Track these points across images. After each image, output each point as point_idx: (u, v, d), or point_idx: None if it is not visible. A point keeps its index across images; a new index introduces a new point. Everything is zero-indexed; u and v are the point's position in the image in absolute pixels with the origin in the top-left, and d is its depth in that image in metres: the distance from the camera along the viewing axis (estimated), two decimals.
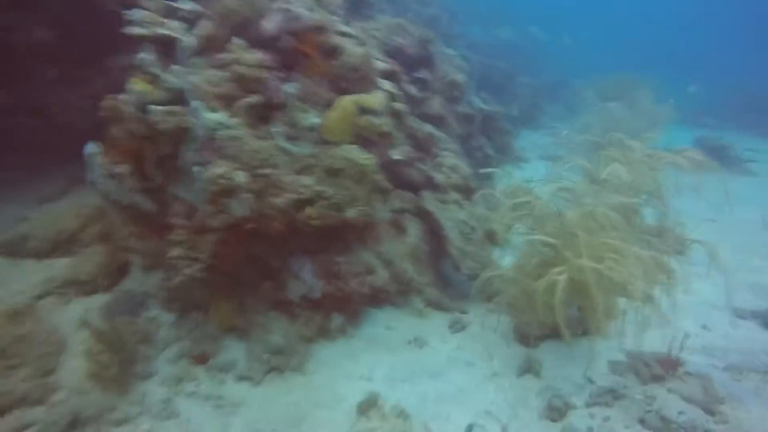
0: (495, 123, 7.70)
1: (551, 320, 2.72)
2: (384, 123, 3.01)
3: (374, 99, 2.95)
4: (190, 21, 3.03)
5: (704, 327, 3.83)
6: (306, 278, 3.03)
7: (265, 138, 2.74)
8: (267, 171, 2.61)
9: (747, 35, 31.30)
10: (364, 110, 2.92)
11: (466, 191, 4.27)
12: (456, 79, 5.38)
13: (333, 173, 2.74)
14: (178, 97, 2.43)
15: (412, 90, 4.21)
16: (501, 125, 7.81)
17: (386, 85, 3.21)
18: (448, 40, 11.70)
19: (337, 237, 3.17)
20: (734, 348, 3.57)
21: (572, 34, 20.07)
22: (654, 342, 3.26)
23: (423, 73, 5.64)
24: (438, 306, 3.77)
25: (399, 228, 3.73)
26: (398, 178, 4.47)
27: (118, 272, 3.17)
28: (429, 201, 3.97)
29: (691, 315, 4.03)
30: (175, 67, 2.46)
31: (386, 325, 3.53)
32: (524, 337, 3.32)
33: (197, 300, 3.11)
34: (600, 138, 9.13)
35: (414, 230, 3.85)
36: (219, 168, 2.43)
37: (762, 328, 3.88)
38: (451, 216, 3.98)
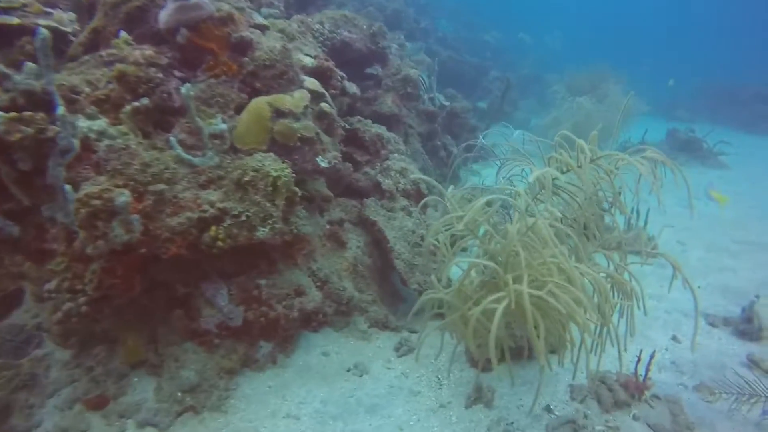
0: (460, 120, 7.37)
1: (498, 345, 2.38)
2: (306, 127, 2.63)
3: (293, 100, 2.58)
4: (82, 9, 2.62)
5: (674, 338, 3.53)
6: (221, 304, 2.64)
7: (161, 149, 2.34)
8: (160, 187, 2.22)
9: (723, 29, 31.61)
10: (280, 113, 2.54)
11: (417, 197, 3.91)
12: (410, 74, 5.02)
13: (242, 187, 2.36)
14: (38, 102, 2.03)
15: (353, 88, 3.83)
16: (467, 122, 7.48)
17: (311, 84, 2.83)
18: (414, 34, 11.36)
19: (260, 256, 2.78)
20: (705, 363, 3.28)
21: (551, 29, 19.93)
22: (617, 361, 2.96)
23: (375, 70, 5.28)
24: (384, 326, 3.41)
25: (337, 241, 3.36)
26: (342, 184, 4.10)
27: (4, 303, 2.74)
28: (372, 209, 3.60)
29: (660, 325, 3.74)
30: (29, 65, 2.05)
31: (323, 350, 3.16)
32: (476, 361, 2.98)
33: (101, 333, 2.70)
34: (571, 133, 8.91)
35: (355, 242, 3.48)
36: (93, 186, 2.03)
37: (734, 336, 3.60)
38: (398, 225, 3.62)
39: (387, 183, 3.89)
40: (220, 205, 2.30)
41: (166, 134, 2.44)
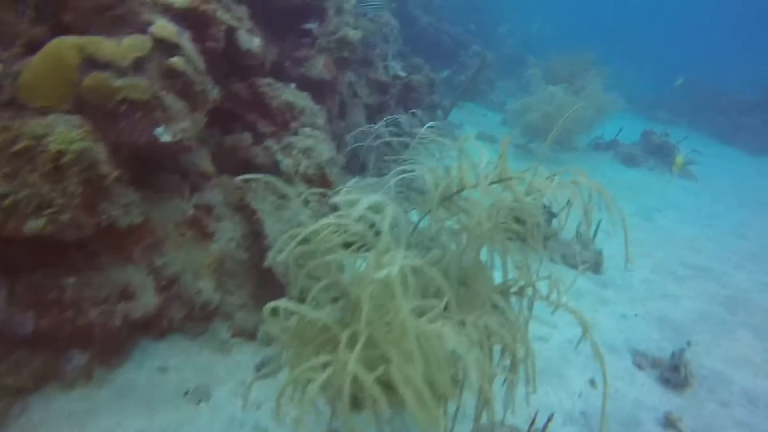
0: (416, 94, 6.68)
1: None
2: (133, 85, 1.95)
3: (117, 47, 1.90)
4: None
5: (592, 382, 3.07)
6: None
7: None
8: None
9: (711, 30, 31.07)
10: (94, 63, 1.86)
11: (321, 184, 3.29)
12: (347, 36, 4.30)
13: (15, 158, 1.70)
14: None
15: (252, 43, 3.12)
16: (423, 97, 6.80)
17: (160, 29, 2.13)
18: None
19: (71, 247, 2.14)
20: (618, 416, 2.82)
21: (535, 14, 19.04)
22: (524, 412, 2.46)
23: (311, 25, 4.54)
24: (251, 336, 2.84)
25: (201, 231, 2.73)
26: (237, 159, 3.44)
27: None
28: (256, 195, 2.97)
29: (582, 362, 3.26)
30: None
31: (162, 364, 2.57)
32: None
33: None
34: (541, 123, 8.31)
35: (229, 233, 2.86)
36: None
37: (659, 383, 3.16)
38: (287, 217, 3.00)
39: (286, 163, 3.25)
40: None
41: None
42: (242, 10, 3.64)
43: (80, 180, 1.79)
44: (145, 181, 2.73)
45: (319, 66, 4.29)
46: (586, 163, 8.85)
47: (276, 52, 4.33)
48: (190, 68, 2.24)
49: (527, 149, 8.71)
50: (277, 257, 1.77)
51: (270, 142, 3.47)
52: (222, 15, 2.74)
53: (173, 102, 2.19)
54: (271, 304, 1.56)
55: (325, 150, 3.38)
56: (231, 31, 2.84)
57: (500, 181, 1.79)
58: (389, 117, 2.99)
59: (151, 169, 2.75)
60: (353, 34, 4.35)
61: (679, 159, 8.78)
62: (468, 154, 1.79)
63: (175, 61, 2.16)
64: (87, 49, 1.84)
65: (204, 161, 3.03)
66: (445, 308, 1.98)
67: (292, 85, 4.12)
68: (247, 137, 3.42)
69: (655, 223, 6.27)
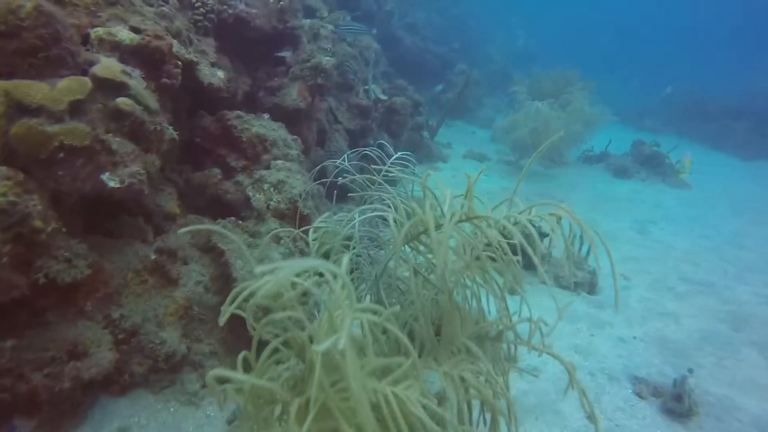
0: (400, 117, 6.58)
1: None
2: (72, 131, 1.81)
3: (50, 91, 1.76)
4: None
5: (590, 417, 2.87)
6: None
7: None
8: None
9: (696, 38, 31.44)
10: (24, 109, 1.72)
11: (294, 219, 3.13)
12: (321, 62, 4.20)
13: None
14: None
15: (214, 77, 2.99)
16: (407, 119, 6.70)
17: (104, 68, 2.00)
18: (372, 17, 10.47)
19: (13, 307, 1.97)
20: None
21: (519, 27, 19.20)
22: None
23: (286, 53, 4.44)
24: (224, 384, 2.63)
25: (164, 276, 2.56)
26: (206, 196, 3.29)
27: None
28: (223, 236, 2.81)
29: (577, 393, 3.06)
30: None
31: (123, 423, 2.37)
32: None
33: None
34: (528, 138, 8.22)
35: (196, 277, 2.69)
36: None
37: (661, 415, 2.96)
38: (257, 256, 2.83)
39: (256, 199, 3.10)
40: None
41: None
42: (208, 43, 3.54)
43: (8, 237, 1.63)
44: (103, 226, 2.58)
45: (294, 94, 4.18)
46: (577, 176, 8.74)
47: (249, 82, 4.23)
48: (139, 108, 2.10)
49: (517, 166, 8.61)
50: (226, 311, 1.60)
51: (241, 177, 3.33)
52: (178, 50, 2.62)
53: (121, 145, 2.04)
54: (213, 372, 1.38)
55: (297, 183, 3.24)
56: (190, 66, 2.72)
57: (467, 219, 1.63)
58: (357, 149, 2.85)
59: (111, 212, 2.60)
60: (327, 61, 4.25)
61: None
62: (435, 190, 1.63)
63: (122, 101, 2.02)
64: (14, 95, 1.70)
65: (169, 201, 2.88)
66: (421, 354, 1.81)
67: (266, 116, 4.01)
68: (216, 173, 3.28)
69: (651, 237, 6.12)
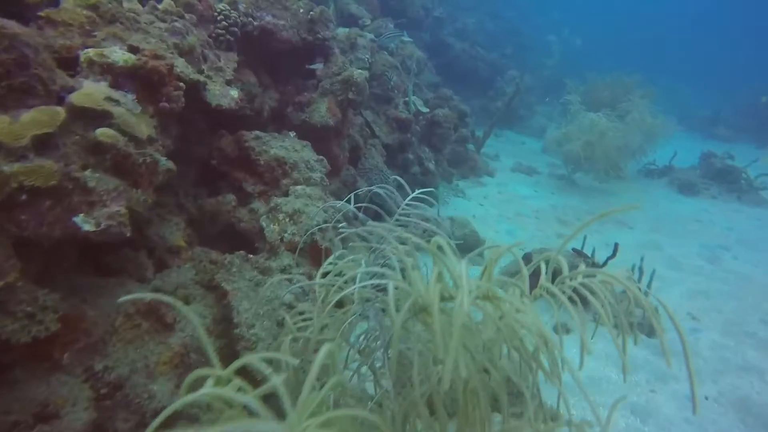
0: (442, 130, 6.19)
1: None
2: (33, 170, 1.57)
3: (9, 125, 1.52)
4: None
5: None
6: None
7: None
8: None
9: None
10: None
11: (312, 253, 2.83)
12: (353, 76, 3.89)
13: None
14: None
15: (225, 99, 2.74)
16: (449, 133, 6.30)
17: (84, 96, 1.76)
18: (420, 23, 10.14)
19: None
20: None
21: (565, 28, 18.26)
22: None
23: (317, 65, 4.18)
24: None
25: (159, 321, 2.31)
26: (219, 224, 3.05)
27: None
28: (228, 273, 2.54)
29: None
30: None
31: None
32: None
33: None
34: (582, 152, 7.59)
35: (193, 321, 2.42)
36: None
37: None
38: (267, 296, 2.54)
39: (271, 230, 2.82)
40: None
41: None
42: (229, 57, 3.31)
43: None
44: (101, 260, 2.37)
45: (322, 110, 3.89)
46: (637, 192, 8.01)
47: (276, 98, 3.98)
48: (123, 139, 1.85)
49: (570, 181, 7.99)
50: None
51: (257, 204, 3.06)
52: (183, 69, 2.38)
53: (100, 182, 1.80)
54: None
55: (317, 212, 2.93)
56: (195, 87, 2.47)
57: (485, 298, 1.25)
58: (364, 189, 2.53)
59: (110, 246, 2.39)
60: (359, 74, 3.94)
61: None
62: (447, 260, 1.26)
63: (102, 132, 1.78)
64: None
65: (174, 233, 2.65)
66: None
67: (292, 134, 3.75)
68: (230, 199, 3.03)
69: (724, 266, 5.40)
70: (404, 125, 5.57)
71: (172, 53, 2.38)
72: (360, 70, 3.99)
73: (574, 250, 4.24)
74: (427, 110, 5.91)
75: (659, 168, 8.98)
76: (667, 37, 28.01)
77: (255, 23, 3.58)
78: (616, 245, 4.03)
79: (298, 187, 3.09)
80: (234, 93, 2.83)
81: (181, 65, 2.39)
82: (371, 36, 6.05)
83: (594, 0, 28.46)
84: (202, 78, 2.51)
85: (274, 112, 3.99)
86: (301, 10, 3.91)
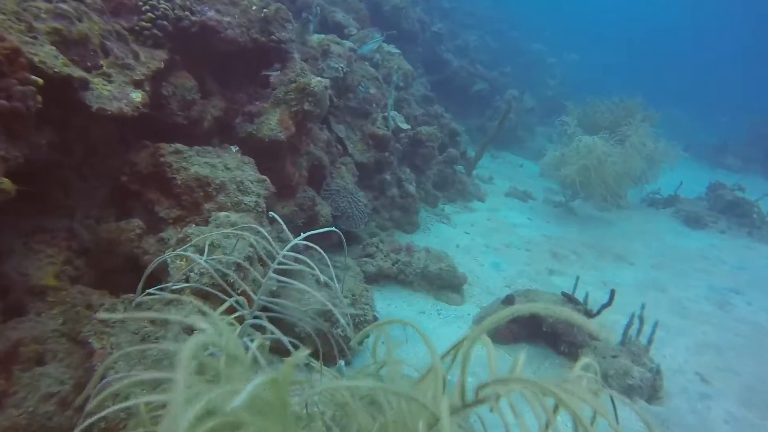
0: (425, 149, 5.64)
1: None
2: None
3: None
4: None
5: None
6: None
7: None
8: None
9: None
10: None
11: (225, 297, 2.24)
12: (309, 84, 3.36)
13: None
14: None
15: (113, 104, 2.18)
16: (436, 152, 5.75)
17: None
18: (415, 37, 9.67)
19: None
20: None
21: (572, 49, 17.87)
22: None
23: (273, 71, 3.64)
24: None
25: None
26: (120, 255, 2.48)
27: None
28: (103, 325, 1.96)
29: None
30: None
31: None
32: None
33: None
34: (578, 177, 7.02)
35: (45, 386, 1.84)
36: None
37: None
38: (153, 355, 1.96)
39: (175, 268, 2.25)
40: None
41: None
42: (153, 56, 2.78)
43: None
44: None
45: (272, 123, 3.35)
46: (639, 223, 7.41)
47: (222, 106, 3.45)
48: None
49: (567, 208, 7.41)
50: None
51: (170, 232, 2.50)
52: (47, 60, 1.83)
53: None
54: None
55: (240, 245, 2.36)
56: (68, 84, 1.92)
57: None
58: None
59: None
60: (316, 82, 3.40)
61: None
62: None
63: None
64: None
65: (42, 269, 2.07)
66: None
67: (234, 149, 3.21)
68: (134, 225, 2.46)
69: (735, 313, 4.78)
70: (382, 143, 5.03)
71: (34, 37, 1.84)
72: (319, 78, 3.45)
73: (564, 294, 3.65)
74: (408, 126, 5.37)
75: (664, 197, 8.39)
76: (669, 62, 27.58)
77: (193, 18, 3.05)
78: (612, 292, 3.43)
79: (221, 214, 2.53)
80: (136, 96, 2.28)
81: (46, 55, 1.84)
82: (350, 44, 5.54)
83: (592, 22, 28.12)
84: (78, 74, 1.95)
85: (220, 122, 3.45)
86: (254, 7, 3.40)
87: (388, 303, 3.97)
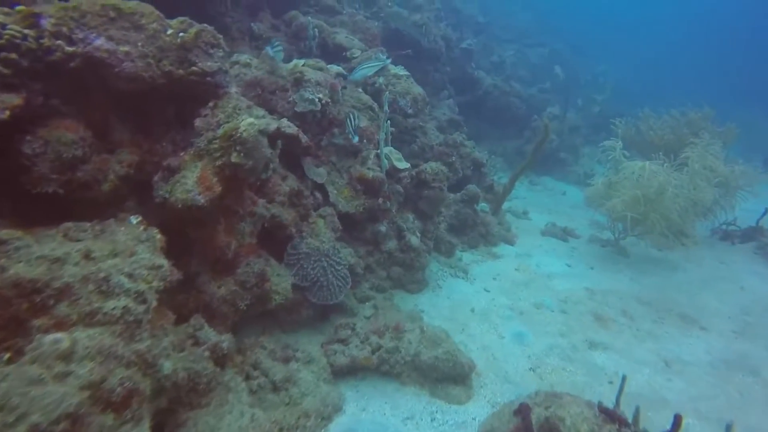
0: (431, 191, 4.65)
1: None
2: None
3: None
4: None
5: None
6: None
7: None
8: None
9: None
10: None
11: None
12: (237, 130, 2.47)
13: None
14: None
15: None
16: (443, 193, 4.75)
17: None
18: (437, 55, 8.73)
19: None
20: None
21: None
22: None
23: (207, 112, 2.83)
24: None
25: None
26: None
27: None
28: None
29: None
30: None
31: None
32: None
33: None
34: (631, 209, 5.79)
35: None
36: None
37: None
38: None
39: None
40: None
41: None
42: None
43: None
44: None
45: (189, 182, 2.52)
46: (709, 266, 6.03)
47: (134, 161, 2.66)
48: None
49: (618, 248, 6.15)
50: None
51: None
52: None
53: None
54: None
55: (56, 398, 1.49)
56: None
57: None
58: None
59: None
60: (247, 126, 2.54)
61: None
62: None
63: None
64: None
65: None
66: None
67: (134, 219, 2.41)
68: None
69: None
70: (373, 187, 4.10)
71: None
72: (252, 120, 2.58)
73: (601, 409, 2.53)
74: (407, 165, 4.41)
75: (741, 229, 6.94)
76: (731, 59, 25.05)
77: (70, 49, 2.29)
78: (677, 419, 2.29)
79: (48, 338, 1.68)
80: None
81: None
82: (338, 69, 4.70)
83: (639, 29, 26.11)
84: None
85: (132, 182, 2.66)
86: (169, 31, 2.60)
87: (363, 406, 3.00)
